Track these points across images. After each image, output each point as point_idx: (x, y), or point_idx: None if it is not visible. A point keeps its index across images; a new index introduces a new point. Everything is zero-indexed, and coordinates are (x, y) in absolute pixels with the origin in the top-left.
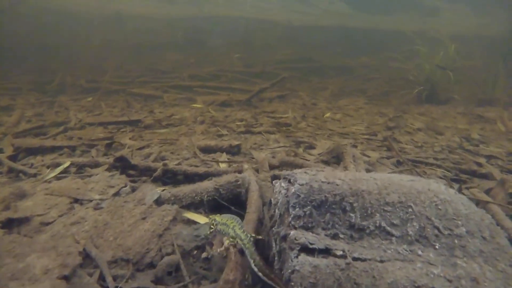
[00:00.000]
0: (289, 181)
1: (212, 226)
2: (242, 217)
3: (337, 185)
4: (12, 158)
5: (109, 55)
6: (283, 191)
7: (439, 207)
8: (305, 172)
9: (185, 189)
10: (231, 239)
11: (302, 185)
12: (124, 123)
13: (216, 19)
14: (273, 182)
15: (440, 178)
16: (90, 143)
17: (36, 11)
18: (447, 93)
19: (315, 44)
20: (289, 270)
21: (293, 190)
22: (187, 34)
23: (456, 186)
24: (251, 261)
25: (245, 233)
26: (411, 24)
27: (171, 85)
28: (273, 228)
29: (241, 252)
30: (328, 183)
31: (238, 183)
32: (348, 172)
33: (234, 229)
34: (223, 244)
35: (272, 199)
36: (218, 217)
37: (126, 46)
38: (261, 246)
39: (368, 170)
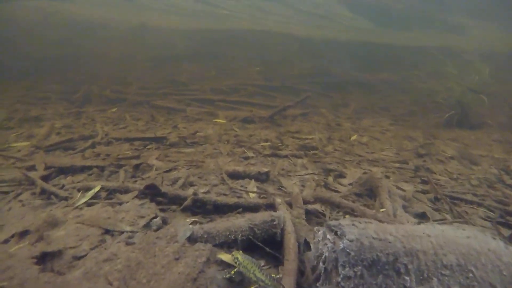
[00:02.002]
0: (336, 234)
1: (235, 265)
2: (276, 259)
3: (390, 242)
4: (45, 177)
5: (131, 66)
6: (330, 245)
7: (504, 272)
8: (353, 225)
9: (219, 227)
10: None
11: (351, 241)
12: (149, 139)
13: (237, 32)
14: (315, 229)
15: (484, 219)
16: (118, 163)
17: (61, 24)
18: (480, 118)
19: (335, 59)
20: None
21: (341, 246)
22: (208, 46)
23: (505, 231)
24: None
25: (265, 275)
26: (433, 40)
27: (193, 98)
28: (318, 284)
29: None
30: (380, 239)
31: (274, 223)
32: (399, 226)
33: (255, 273)
34: None
35: (313, 247)
36: (240, 256)
37: (148, 57)
38: None
39: (404, 207)
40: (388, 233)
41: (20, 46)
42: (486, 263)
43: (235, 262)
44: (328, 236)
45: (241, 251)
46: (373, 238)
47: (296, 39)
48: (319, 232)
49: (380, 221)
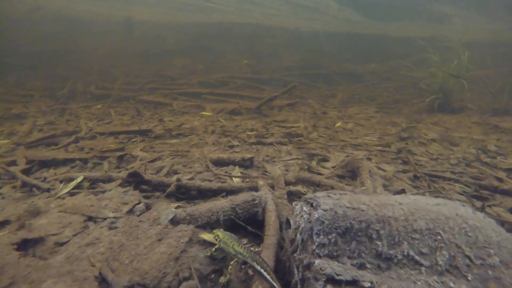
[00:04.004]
0: (312, 205)
1: (216, 242)
2: (258, 237)
3: (362, 210)
4: (26, 171)
5: (119, 61)
6: (305, 216)
7: (469, 234)
8: (328, 196)
9: (201, 208)
10: (232, 257)
11: (326, 210)
12: (134, 132)
13: (225, 25)
14: (293, 204)
15: (460, 194)
16: (102, 155)
17: (48, 18)
18: (461, 102)
19: (323, 50)
20: None
21: (316, 216)
22: (196, 40)
23: (479, 204)
24: (254, 264)
25: (243, 248)
26: (421, 31)
27: (180, 92)
28: (295, 254)
29: (244, 263)
30: (353, 208)
31: (255, 202)
32: (372, 196)
33: (234, 247)
34: (241, 268)
35: (292, 221)
36: (220, 234)
37: (136, 52)
38: (281, 271)
39: (385, 186)
40: (361, 202)
41: (3, 42)
42: (454, 226)
43: (216, 239)
44: (304, 208)
45: (222, 229)
46: (347, 207)
47: (284, 31)
48: (297, 207)
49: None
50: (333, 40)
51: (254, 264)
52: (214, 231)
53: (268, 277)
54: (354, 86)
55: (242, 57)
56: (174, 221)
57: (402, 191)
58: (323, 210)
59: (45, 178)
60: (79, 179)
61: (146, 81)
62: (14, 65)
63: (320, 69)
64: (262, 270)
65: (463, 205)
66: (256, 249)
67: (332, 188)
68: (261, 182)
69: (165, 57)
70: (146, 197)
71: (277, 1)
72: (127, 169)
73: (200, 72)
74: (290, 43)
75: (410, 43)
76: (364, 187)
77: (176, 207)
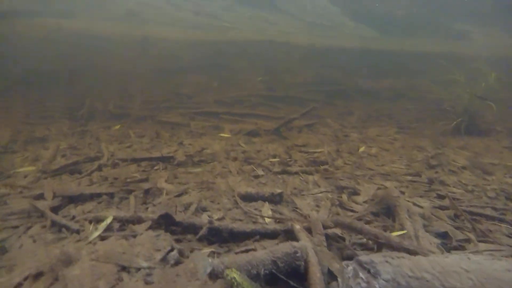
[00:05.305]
0: (369, 272)
1: (234, 286)
2: None
3: (427, 281)
4: (54, 208)
5: (136, 79)
6: (364, 285)
7: None
8: (387, 262)
9: (239, 260)
10: None
11: (387, 281)
12: (156, 159)
13: (240, 43)
14: (344, 263)
15: (509, 237)
16: (127, 188)
17: (67, 38)
18: (487, 124)
19: (339, 66)
20: None
21: (377, 287)
22: (211, 58)
23: None
24: None
25: None
26: (439, 47)
27: (197, 112)
28: None
29: None
30: (417, 278)
31: (298, 255)
32: (433, 261)
33: None
34: None
35: (340, 281)
36: (237, 277)
37: (152, 70)
38: None
39: (424, 226)
40: (424, 270)
41: (23, 62)
42: None
43: (233, 283)
44: (361, 275)
45: (234, 269)
46: (409, 276)
47: (299, 48)
48: (349, 268)
49: (408, 250)
50: (348, 57)
51: None
52: (227, 271)
53: None
54: (371, 103)
55: (257, 74)
56: (213, 275)
57: (445, 234)
58: (384, 280)
59: (73, 217)
60: (108, 220)
61: (162, 99)
62: (32, 86)
63: (335, 86)
64: None
65: None
66: None
67: (376, 237)
68: (297, 227)
69: (180, 75)
70: (177, 241)
71: (292, 20)
72: (154, 205)
73: (215, 90)
74: (305, 59)
75: (427, 59)
76: (404, 231)
77: (210, 253)
